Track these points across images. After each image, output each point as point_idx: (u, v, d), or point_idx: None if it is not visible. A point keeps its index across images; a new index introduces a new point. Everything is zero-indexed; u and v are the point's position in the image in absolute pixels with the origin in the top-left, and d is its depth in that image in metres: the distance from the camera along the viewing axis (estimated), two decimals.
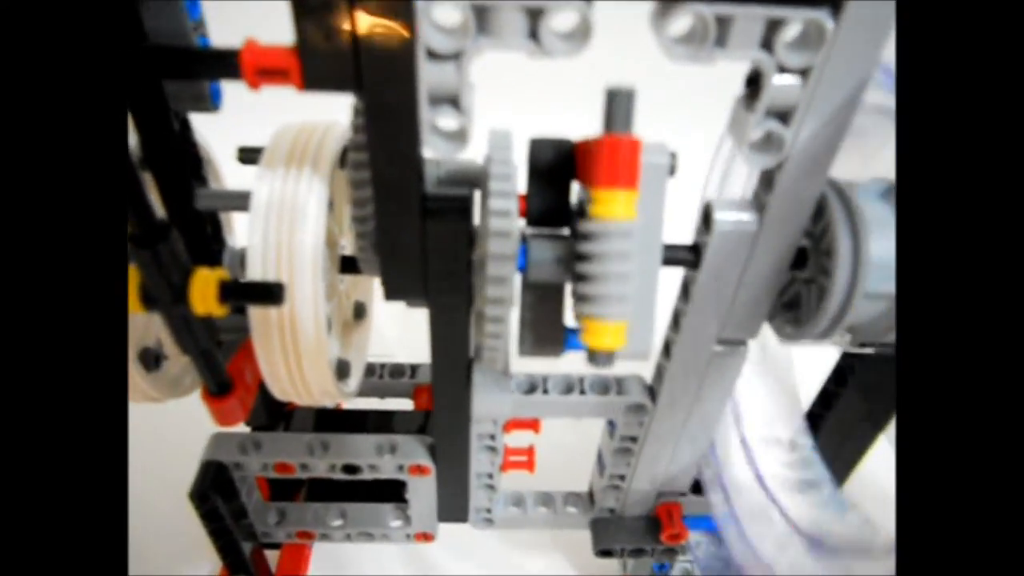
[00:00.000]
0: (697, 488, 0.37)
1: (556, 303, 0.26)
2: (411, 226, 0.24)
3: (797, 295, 0.28)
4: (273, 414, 0.39)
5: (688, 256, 0.26)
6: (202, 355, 0.26)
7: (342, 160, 0.29)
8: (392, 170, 0.23)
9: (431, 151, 0.22)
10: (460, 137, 0.22)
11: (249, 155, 0.33)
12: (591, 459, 0.38)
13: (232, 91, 0.29)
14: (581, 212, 0.25)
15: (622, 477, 0.36)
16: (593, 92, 0.23)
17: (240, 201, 0.28)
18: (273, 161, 0.27)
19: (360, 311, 0.38)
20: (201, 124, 0.33)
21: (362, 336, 0.37)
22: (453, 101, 0.21)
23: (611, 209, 0.22)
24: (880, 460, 0.36)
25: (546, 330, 0.27)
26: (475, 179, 0.27)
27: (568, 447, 0.42)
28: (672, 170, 0.24)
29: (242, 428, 0.37)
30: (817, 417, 0.36)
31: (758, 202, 0.25)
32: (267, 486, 0.41)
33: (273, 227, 0.26)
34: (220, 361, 0.27)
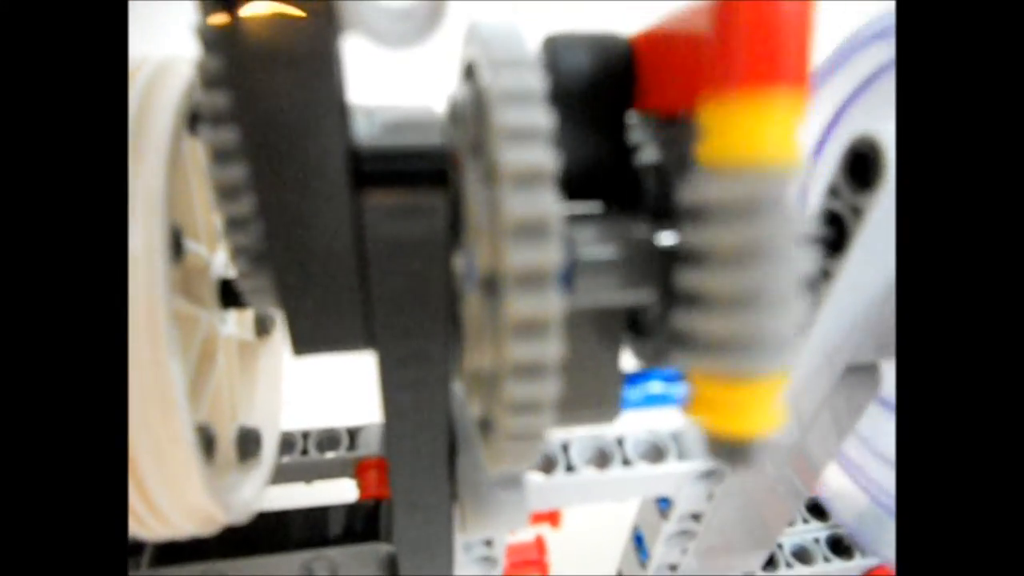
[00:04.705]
0: (770, 563, 0.27)
1: (611, 339, 0.15)
2: (334, 212, 0.12)
3: None
4: None
5: (824, 234, 0.16)
6: None
7: (191, 123, 0.16)
8: (282, 93, 0.11)
9: (366, 38, 0.10)
10: (429, 13, 0.10)
11: None
12: (611, 525, 0.27)
13: None
14: (651, 158, 0.13)
15: (674, 567, 0.25)
16: None
17: None
18: None
19: (264, 324, 0.25)
20: None
21: (270, 376, 0.25)
22: None
23: (760, 137, 0.10)
24: None
25: (595, 384, 0.15)
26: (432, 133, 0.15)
27: (576, 511, 0.30)
28: None
29: None
30: None
31: None
32: None
33: None
34: None
